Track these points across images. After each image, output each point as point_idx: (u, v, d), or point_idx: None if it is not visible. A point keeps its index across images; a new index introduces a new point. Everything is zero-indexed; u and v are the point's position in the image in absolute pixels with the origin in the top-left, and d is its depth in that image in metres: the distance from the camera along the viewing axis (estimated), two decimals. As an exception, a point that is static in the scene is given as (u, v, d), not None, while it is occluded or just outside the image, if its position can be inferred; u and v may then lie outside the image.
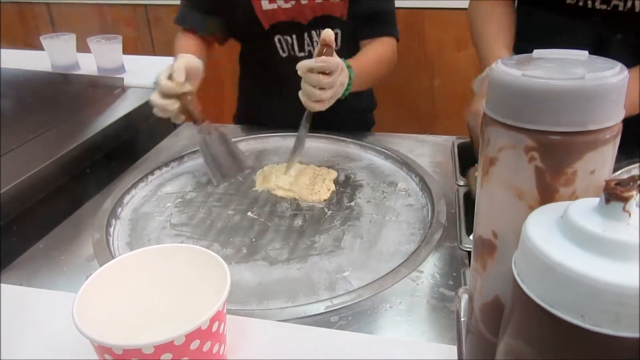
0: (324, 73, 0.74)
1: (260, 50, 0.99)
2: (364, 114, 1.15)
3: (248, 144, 0.95)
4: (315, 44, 0.96)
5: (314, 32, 0.95)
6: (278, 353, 0.47)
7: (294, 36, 0.95)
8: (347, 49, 0.95)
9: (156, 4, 2.06)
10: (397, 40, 1.00)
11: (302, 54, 0.97)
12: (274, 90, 1.03)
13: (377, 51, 0.96)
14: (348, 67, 0.81)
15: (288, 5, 0.92)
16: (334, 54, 0.76)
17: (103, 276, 0.43)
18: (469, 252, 0.63)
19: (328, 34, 0.73)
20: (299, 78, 0.76)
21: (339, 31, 0.96)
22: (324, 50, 0.74)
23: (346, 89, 0.80)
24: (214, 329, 0.39)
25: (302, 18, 0.94)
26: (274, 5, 0.92)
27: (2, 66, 1.15)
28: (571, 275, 0.22)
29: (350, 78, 0.81)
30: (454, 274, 0.59)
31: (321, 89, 0.75)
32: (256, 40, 0.98)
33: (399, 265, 0.60)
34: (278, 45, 0.97)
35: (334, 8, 0.94)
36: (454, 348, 0.44)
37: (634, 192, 0.22)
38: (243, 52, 1.08)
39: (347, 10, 0.94)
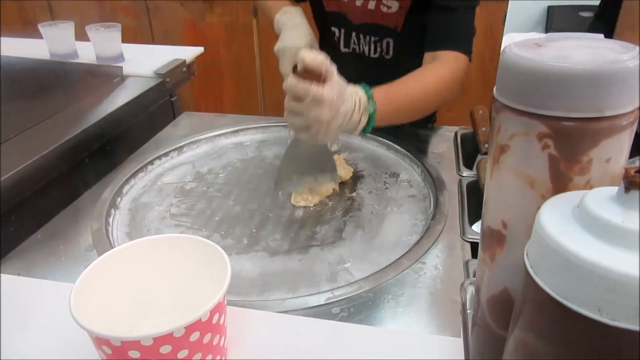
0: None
1: (322, 26, 0.96)
2: None
3: (247, 134, 0.94)
4: (362, 46, 0.93)
5: (361, 35, 0.92)
6: (278, 344, 0.46)
7: (342, 30, 0.93)
8: (402, 62, 0.85)
9: (156, -7, 2.04)
10: (470, 59, 0.82)
11: (345, 50, 0.94)
12: None
13: (433, 72, 0.78)
14: (369, 98, 0.66)
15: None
16: (328, 78, 0.60)
17: (101, 266, 0.42)
18: (472, 243, 0.62)
19: (306, 58, 0.59)
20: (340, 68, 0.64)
21: (390, 40, 0.90)
22: (302, 72, 0.61)
23: (367, 124, 0.67)
24: (214, 320, 0.38)
25: (353, 17, 0.90)
26: None
27: (0, 54, 1.13)
28: (588, 267, 0.21)
29: (373, 111, 0.66)
30: (457, 266, 0.58)
31: (293, 113, 0.63)
32: (320, 17, 0.95)
33: (401, 256, 0.59)
34: (331, 31, 0.94)
35: (387, 18, 0.87)
36: (458, 340, 0.43)
37: (655, 181, 0.21)
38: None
39: (404, 22, 0.86)
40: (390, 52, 0.92)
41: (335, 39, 0.94)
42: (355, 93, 0.65)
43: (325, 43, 0.96)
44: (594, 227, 0.22)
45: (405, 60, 0.84)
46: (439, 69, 0.79)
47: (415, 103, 0.76)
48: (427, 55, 0.82)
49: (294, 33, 0.80)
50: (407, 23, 0.87)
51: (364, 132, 0.68)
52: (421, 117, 0.81)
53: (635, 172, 0.21)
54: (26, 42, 1.34)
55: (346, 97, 0.63)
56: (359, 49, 0.94)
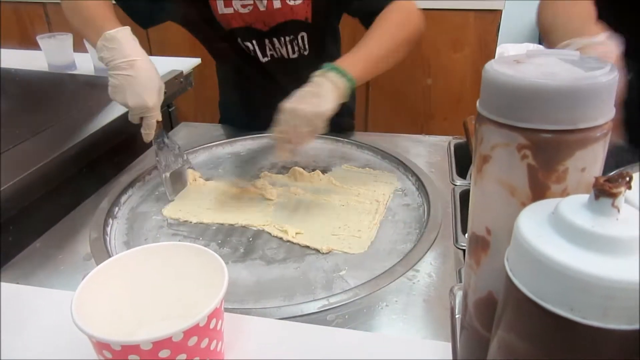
0: None
1: (230, 46, 0.93)
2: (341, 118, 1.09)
3: (244, 144, 0.96)
4: (279, 50, 0.92)
5: (275, 40, 0.91)
6: (275, 350, 0.47)
7: (254, 41, 0.91)
8: (320, 56, 0.91)
9: (153, 4, 2.06)
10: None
11: (265, 59, 0.93)
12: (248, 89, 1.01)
13: (382, 25, 0.83)
14: (335, 70, 0.72)
15: (245, 11, 0.86)
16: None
17: (101, 274, 0.43)
18: (465, 251, 0.63)
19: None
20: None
21: (304, 34, 0.91)
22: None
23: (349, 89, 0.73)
24: (212, 325, 0.39)
25: (262, 25, 0.88)
26: (230, 10, 0.86)
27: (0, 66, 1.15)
28: (561, 269, 0.22)
29: (347, 79, 0.72)
30: (450, 273, 0.59)
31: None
32: (220, 38, 0.91)
33: (395, 264, 0.61)
34: (244, 46, 0.92)
35: (296, 10, 0.88)
36: (448, 344, 0.45)
37: (623, 189, 0.23)
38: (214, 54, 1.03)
39: (312, 11, 0.88)
40: (307, 47, 0.92)
41: (252, 52, 0.92)
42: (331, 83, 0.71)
43: (242, 60, 0.94)
44: (568, 232, 0.23)
45: (322, 54, 0.89)
46: (390, 15, 0.84)
47: (384, 49, 0.82)
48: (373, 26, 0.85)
49: (138, 86, 0.71)
50: (315, 12, 0.89)
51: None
52: (401, 58, 0.85)
53: (604, 180, 0.23)
54: (24, 54, 1.36)
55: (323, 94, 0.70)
56: (277, 53, 0.93)
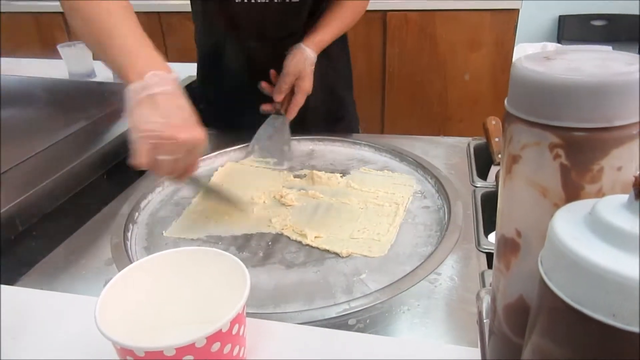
0: None
1: None
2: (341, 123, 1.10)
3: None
4: None
5: None
6: (296, 355, 0.46)
7: None
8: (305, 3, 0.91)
9: (169, 11, 2.09)
10: None
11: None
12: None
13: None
14: None
15: None
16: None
17: (123, 280, 0.43)
18: (487, 254, 0.62)
19: None
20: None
21: None
22: None
23: None
24: (234, 331, 0.39)
25: None
26: None
27: (21, 74, 1.17)
28: (601, 272, 0.21)
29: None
30: (473, 276, 0.58)
31: None
32: None
33: (417, 267, 0.60)
34: None
35: None
36: (475, 350, 0.44)
37: (665, 187, 0.22)
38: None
39: None
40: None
41: None
42: None
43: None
44: (606, 234, 0.22)
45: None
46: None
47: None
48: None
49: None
50: None
51: None
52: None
53: (645, 179, 0.22)
54: (45, 63, 1.38)
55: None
56: None
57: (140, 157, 0.58)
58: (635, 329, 0.21)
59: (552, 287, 0.23)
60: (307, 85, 0.88)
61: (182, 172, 0.63)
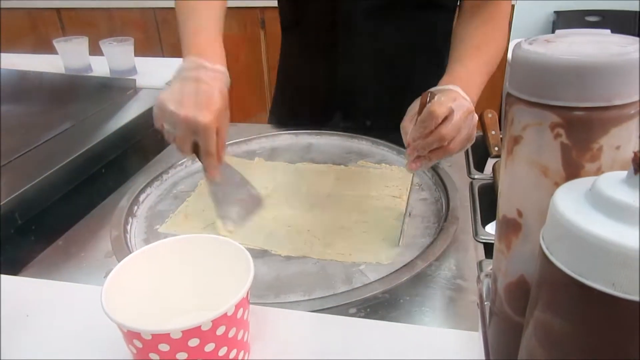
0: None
1: None
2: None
3: (259, 142, 0.96)
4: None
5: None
6: (298, 341, 0.47)
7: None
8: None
9: (164, 6, 2.09)
10: None
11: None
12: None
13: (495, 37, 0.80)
14: None
15: None
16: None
17: (127, 267, 0.43)
18: (485, 244, 0.63)
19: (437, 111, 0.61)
20: None
21: None
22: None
23: None
24: (239, 315, 0.39)
25: None
26: None
27: (17, 69, 1.17)
28: (602, 244, 0.22)
29: None
30: (471, 266, 0.59)
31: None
32: None
33: (415, 257, 0.60)
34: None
35: None
36: (475, 334, 0.44)
37: (663, 162, 0.22)
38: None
39: None
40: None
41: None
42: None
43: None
44: (607, 208, 0.23)
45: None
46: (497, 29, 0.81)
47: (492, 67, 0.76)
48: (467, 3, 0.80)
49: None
50: None
51: None
52: None
53: (645, 154, 0.22)
54: (41, 58, 1.38)
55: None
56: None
57: (155, 119, 0.64)
58: (635, 298, 0.22)
59: (553, 260, 0.24)
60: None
61: (202, 153, 0.64)
